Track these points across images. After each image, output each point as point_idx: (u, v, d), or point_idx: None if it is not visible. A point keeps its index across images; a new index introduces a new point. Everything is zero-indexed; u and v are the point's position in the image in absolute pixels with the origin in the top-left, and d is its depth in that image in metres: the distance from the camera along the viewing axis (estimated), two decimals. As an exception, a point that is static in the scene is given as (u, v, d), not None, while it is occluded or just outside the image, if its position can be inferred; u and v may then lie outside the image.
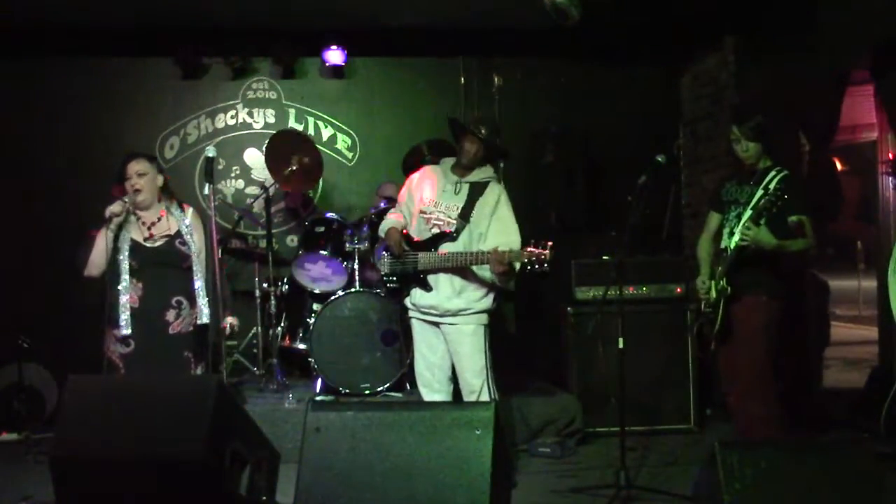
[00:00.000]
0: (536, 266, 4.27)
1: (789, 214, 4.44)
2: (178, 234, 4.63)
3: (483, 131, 4.64)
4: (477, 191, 4.64)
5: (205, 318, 4.63)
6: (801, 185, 4.44)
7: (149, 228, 4.61)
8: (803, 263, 6.26)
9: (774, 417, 4.55)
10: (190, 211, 4.76)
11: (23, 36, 6.62)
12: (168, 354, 4.55)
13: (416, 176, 4.91)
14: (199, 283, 4.63)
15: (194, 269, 4.63)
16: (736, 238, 4.49)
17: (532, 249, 4.28)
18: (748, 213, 4.51)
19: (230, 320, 4.82)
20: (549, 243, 4.26)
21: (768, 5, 6.11)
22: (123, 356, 4.54)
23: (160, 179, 4.69)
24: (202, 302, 4.63)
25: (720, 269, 4.62)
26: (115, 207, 4.50)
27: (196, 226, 4.72)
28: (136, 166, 4.61)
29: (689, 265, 4.99)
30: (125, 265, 4.52)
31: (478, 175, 4.69)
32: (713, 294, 4.67)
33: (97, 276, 4.56)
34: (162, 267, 4.59)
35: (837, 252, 13.87)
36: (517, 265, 4.43)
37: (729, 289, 4.55)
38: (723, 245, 4.68)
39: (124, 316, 4.49)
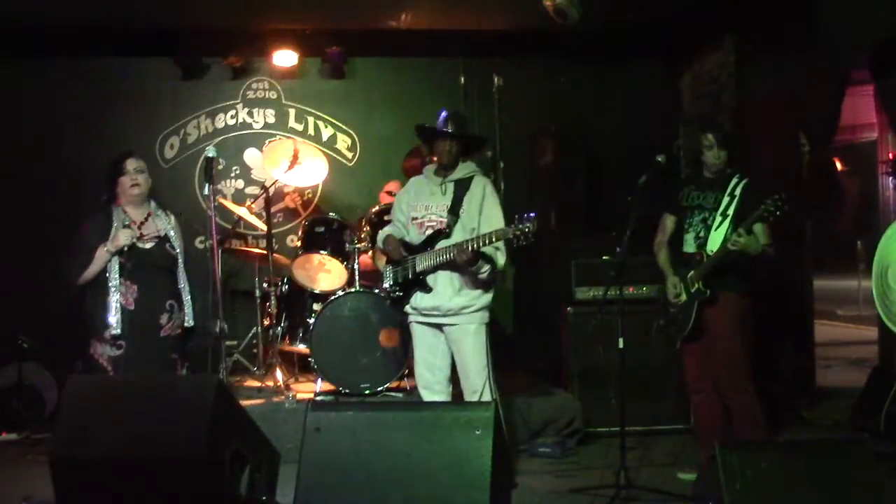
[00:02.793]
0: (522, 240, 4.27)
1: (756, 223, 4.48)
2: (167, 237, 4.71)
3: (450, 127, 4.64)
4: (462, 186, 4.67)
5: (190, 320, 4.71)
6: (761, 191, 4.53)
7: (139, 227, 4.65)
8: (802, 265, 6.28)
9: (755, 411, 4.61)
10: (173, 217, 4.86)
11: (23, 36, 6.61)
12: (158, 356, 4.60)
13: (402, 190, 5.00)
14: (183, 286, 4.71)
15: (179, 272, 4.70)
16: (718, 244, 4.54)
17: (515, 225, 4.26)
18: (718, 218, 4.60)
19: (220, 324, 4.89)
20: (532, 215, 4.23)
21: (768, 5, 6.11)
22: (112, 359, 4.56)
23: (150, 181, 4.76)
24: (188, 304, 4.71)
25: (694, 272, 4.67)
26: (126, 239, 4.53)
27: (178, 231, 4.85)
28: (134, 163, 4.72)
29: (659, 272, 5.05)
30: (116, 265, 4.54)
31: (461, 172, 4.70)
32: (684, 297, 4.72)
33: (81, 284, 4.60)
34: (155, 269, 4.65)
35: (837, 252, 13.87)
36: (500, 256, 4.48)
37: (708, 291, 4.60)
38: (690, 250, 4.75)
39: (115, 316, 4.51)
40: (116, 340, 4.55)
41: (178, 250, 4.75)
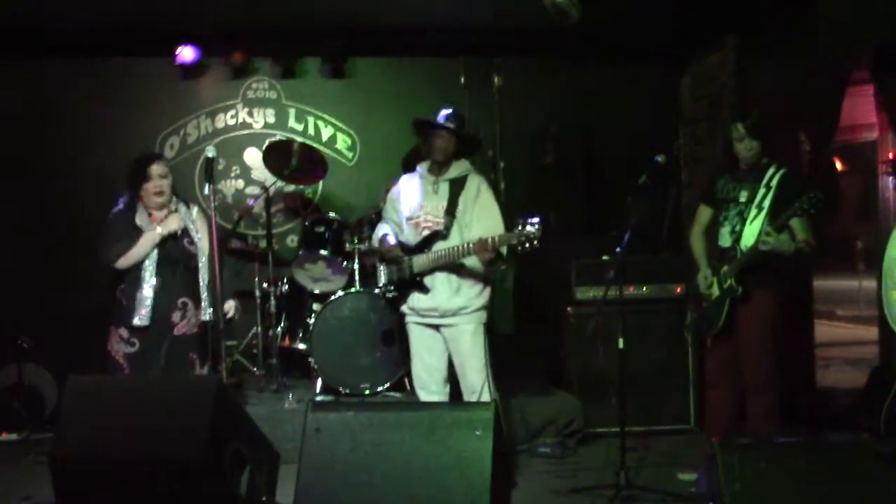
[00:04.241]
0: (527, 245, 4.24)
1: (795, 218, 4.41)
2: (185, 232, 4.66)
3: (450, 123, 4.64)
4: (457, 186, 4.66)
5: (208, 315, 4.65)
6: (801, 182, 4.46)
7: (158, 225, 4.65)
8: (804, 264, 6.27)
9: (772, 416, 4.59)
10: (195, 209, 4.79)
11: (23, 36, 6.61)
12: (173, 356, 4.57)
13: (394, 189, 4.96)
14: (204, 283, 4.66)
15: (200, 266, 4.65)
16: (752, 242, 4.47)
17: (519, 230, 4.24)
18: (753, 211, 4.52)
19: (231, 303, 4.84)
20: (536, 220, 4.21)
21: (768, 5, 6.10)
22: (128, 356, 4.56)
23: (171, 181, 4.73)
24: (205, 298, 4.66)
25: (727, 268, 4.61)
26: (176, 223, 4.53)
27: (201, 224, 4.75)
28: (158, 168, 4.66)
29: (689, 265, 5.02)
30: (155, 255, 4.54)
31: (455, 171, 4.69)
32: (716, 292, 4.67)
33: (123, 268, 4.56)
34: (169, 266, 4.61)
35: (837, 252, 13.88)
36: (504, 250, 4.42)
37: (739, 289, 4.55)
38: (725, 244, 4.68)
39: (146, 310, 4.50)
40: (131, 338, 4.55)
41: (198, 244, 4.68)
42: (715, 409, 4.88)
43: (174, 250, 4.63)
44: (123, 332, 4.57)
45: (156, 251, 4.55)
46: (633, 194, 4.63)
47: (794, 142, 6.41)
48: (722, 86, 6.83)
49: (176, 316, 4.61)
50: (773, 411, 4.60)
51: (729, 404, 4.75)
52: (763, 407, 4.59)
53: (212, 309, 4.66)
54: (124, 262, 4.54)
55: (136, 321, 4.52)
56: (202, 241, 4.69)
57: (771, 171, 4.56)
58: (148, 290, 4.53)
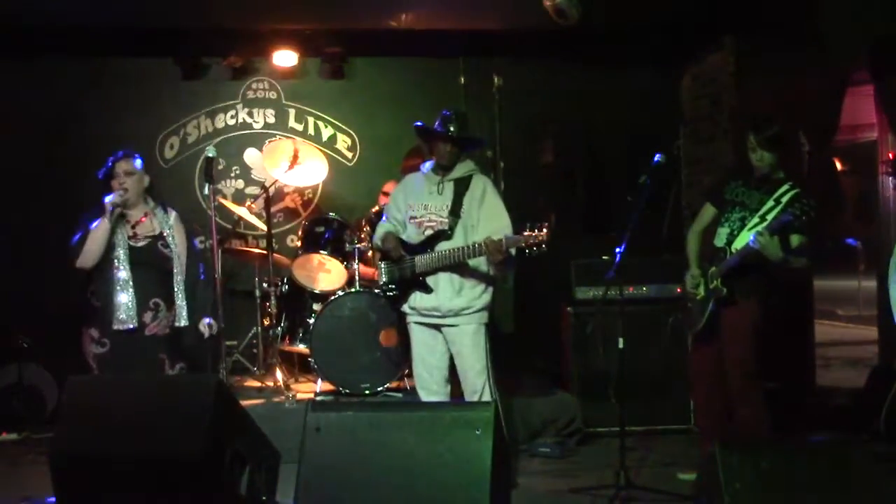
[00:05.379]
0: (535, 248, 4.25)
1: (794, 233, 4.44)
2: (161, 235, 4.66)
3: (452, 128, 4.63)
4: (462, 186, 4.65)
5: (183, 320, 4.65)
6: (812, 205, 4.44)
7: (133, 228, 4.63)
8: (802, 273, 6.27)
9: (762, 419, 4.58)
10: (173, 214, 4.78)
11: (23, 36, 6.62)
12: (142, 355, 4.55)
13: (397, 187, 4.96)
14: (178, 286, 4.65)
15: (175, 271, 4.65)
16: (743, 243, 4.48)
17: (528, 233, 4.25)
18: (755, 220, 4.52)
19: (209, 321, 4.82)
20: (545, 224, 4.23)
21: (768, 5, 6.11)
22: (97, 356, 4.56)
23: (146, 180, 4.71)
24: (180, 304, 4.64)
25: (714, 269, 4.62)
26: (115, 199, 4.52)
27: (178, 228, 4.75)
28: (123, 165, 4.64)
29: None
30: (122, 254, 4.52)
31: (459, 171, 4.69)
32: (701, 292, 4.68)
33: (88, 267, 4.56)
34: (143, 267, 4.60)
35: (837, 252, 13.88)
36: (513, 251, 4.42)
37: (724, 290, 4.56)
38: (719, 244, 4.68)
39: (125, 315, 4.49)
40: (101, 339, 4.54)
41: (174, 248, 4.67)
42: (702, 410, 4.88)
43: (147, 252, 4.62)
44: (94, 333, 4.57)
45: (125, 251, 4.54)
46: (633, 194, 4.63)
47: (795, 142, 6.41)
48: (722, 86, 6.84)
49: (147, 316, 4.60)
50: (761, 415, 4.58)
51: (716, 405, 4.75)
52: (749, 412, 4.57)
53: (186, 313, 4.65)
54: (83, 259, 4.54)
55: (118, 325, 4.51)
56: (178, 244, 4.69)
57: (785, 187, 4.54)
58: (127, 293, 4.51)
